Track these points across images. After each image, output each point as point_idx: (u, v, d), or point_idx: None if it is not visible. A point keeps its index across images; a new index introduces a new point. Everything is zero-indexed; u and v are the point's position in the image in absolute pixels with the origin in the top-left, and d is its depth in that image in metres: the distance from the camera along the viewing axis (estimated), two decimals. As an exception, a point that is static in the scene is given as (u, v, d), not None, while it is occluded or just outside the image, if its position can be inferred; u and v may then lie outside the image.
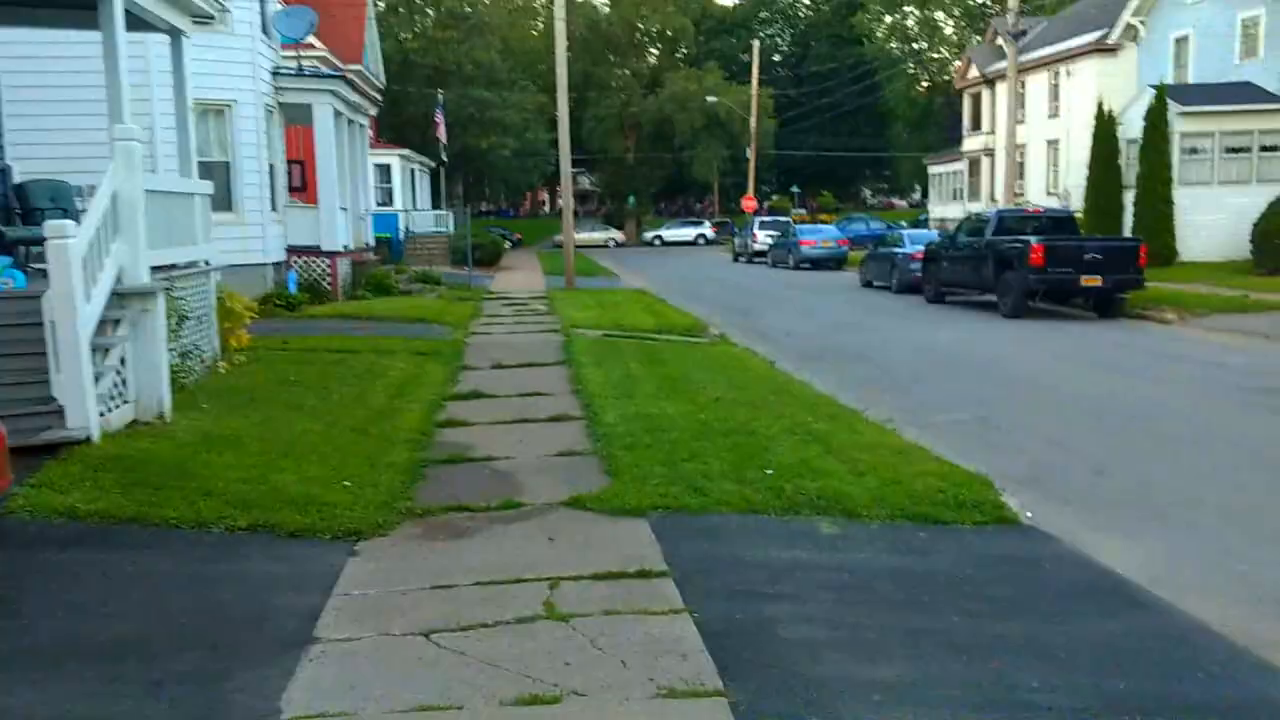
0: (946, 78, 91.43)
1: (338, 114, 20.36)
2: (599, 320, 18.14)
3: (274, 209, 18.74)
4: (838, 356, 14.67)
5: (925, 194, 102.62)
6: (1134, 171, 28.54)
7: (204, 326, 11.30)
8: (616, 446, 7.86)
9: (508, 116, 58.99)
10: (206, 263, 14.88)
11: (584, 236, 55.52)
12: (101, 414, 7.31)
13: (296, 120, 20.52)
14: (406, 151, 39.89)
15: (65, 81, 14.01)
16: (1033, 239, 18.95)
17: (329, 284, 19.45)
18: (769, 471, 7.07)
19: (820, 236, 37.53)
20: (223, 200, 17.24)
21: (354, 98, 21.13)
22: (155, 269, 9.59)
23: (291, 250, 19.41)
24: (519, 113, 60.86)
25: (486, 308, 20.87)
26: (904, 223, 58.06)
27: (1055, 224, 21.16)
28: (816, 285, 29.46)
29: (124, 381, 7.86)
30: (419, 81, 54.65)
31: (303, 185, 23.38)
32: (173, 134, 12.77)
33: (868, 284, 27.98)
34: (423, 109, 49.90)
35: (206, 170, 16.79)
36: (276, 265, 18.67)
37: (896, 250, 26.04)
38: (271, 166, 18.63)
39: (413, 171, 44.62)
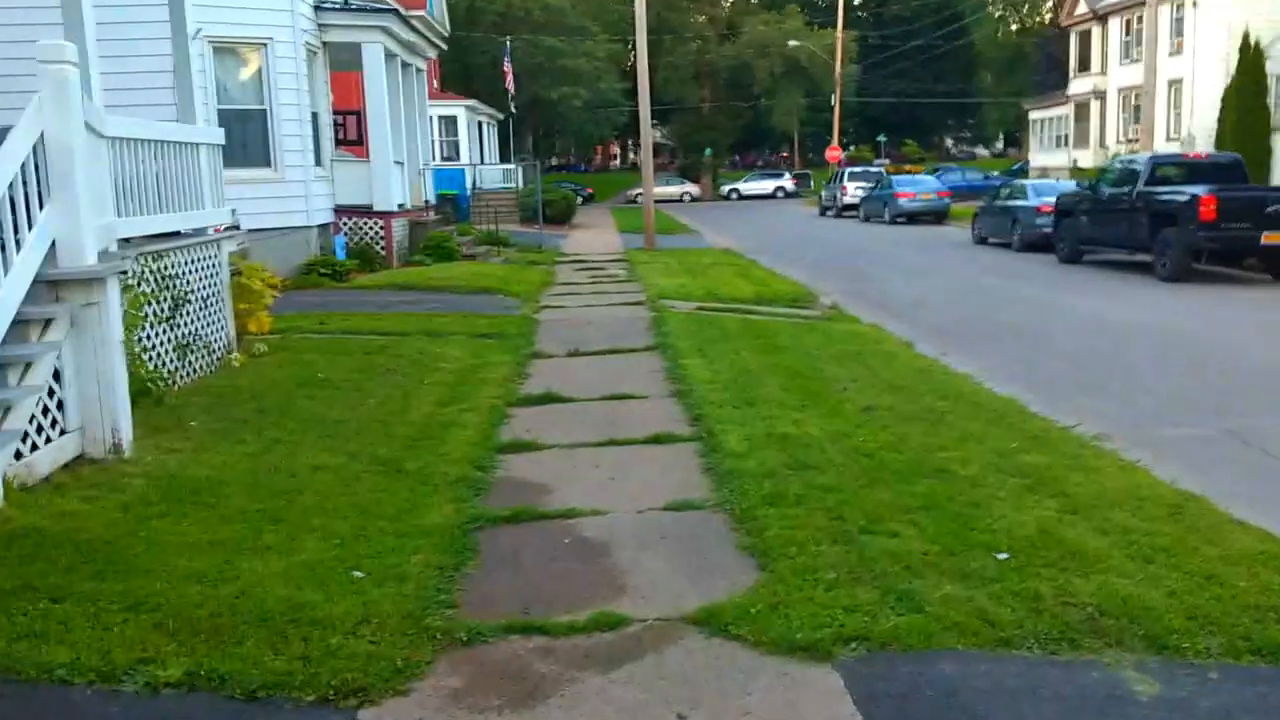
0: (1037, 18, 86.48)
1: (390, 55, 18.01)
2: (689, 289, 15.66)
3: (319, 164, 16.53)
4: (986, 334, 12.01)
5: (1010, 143, 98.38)
6: (1288, 111, 25.08)
7: (212, 310, 9.07)
8: (754, 499, 5.41)
9: (579, 65, 56.29)
10: (237, 228, 12.71)
11: (659, 190, 52.64)
12: (16, 457, 5.08)
13: (344, 64, 18.22)
14: (473, 102, 37.57)
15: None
16: (1201, 190, 15.97)
17: (382, 248, 17.23)
18: (1002, 556, 4.57)
19: (918, 188, 34.43)
20: (258, 154, 15.13)
21: (409, 36, 18.75)
22: (125, 242, 7.35)
23: (340, 210, 17.22)
24: (590, 61, 58.09)
25: (559, 273, 18.49)
26: (996, 172, 54.40)
27: (1221, 171, 18.01)
28: (921, 242, 26.56)
29: (59, 405, 5.62)
30: (486, 29, 52.09)
31: (358, 138, 21.17)
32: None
33: (982, 240, 25.04)
34: (490, 58, 47.42)
35: (239, 119, 14.67)
36: (322, 228, 16.49)
37: (1018, 203, 23.06)
38: (315, 115, 16.39)
39: (480, 124, 42.35)
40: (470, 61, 53.77)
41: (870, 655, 3.75)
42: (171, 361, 8.14)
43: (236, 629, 3.89)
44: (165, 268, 8.19)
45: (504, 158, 46.28)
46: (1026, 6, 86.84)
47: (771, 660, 3.74)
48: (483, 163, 40.80)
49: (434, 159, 34.96)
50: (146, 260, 7.89)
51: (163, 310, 8.06)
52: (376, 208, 17.18)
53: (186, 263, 8.65)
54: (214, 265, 9.24)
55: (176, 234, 8.95)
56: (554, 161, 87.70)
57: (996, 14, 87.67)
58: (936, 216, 33.39)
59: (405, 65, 19.76)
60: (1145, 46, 26.89)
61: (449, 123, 35.96)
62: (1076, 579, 4.31)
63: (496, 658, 3.83)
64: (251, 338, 9.79)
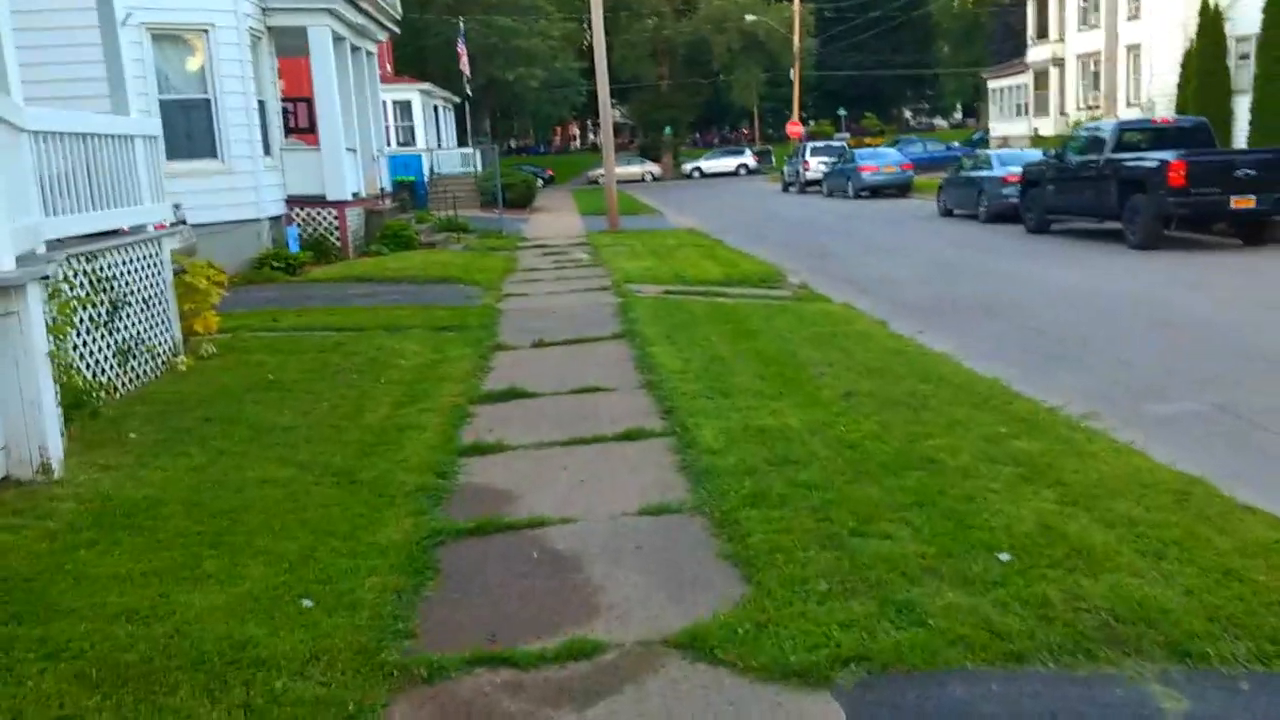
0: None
1: (338, 38, 17.44)
2: (655, 272, 15.30)
3: (268, 153, 15.97)
4: (960, 310, 11.73)
5: (968, 113, 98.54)
6: (1246, 74, 25.03)
7: (155, 312, 8.59)
8: (734, 500, 5.06)
9: (534, 45, 55.46)
10: (183, 223, 12.19)
11: (620, 171, 51.98)
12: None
13: (292, 49, 17.62)
14: (428, 86, 36.84)
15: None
16: (1170, 155, 15.78)
17: (337, 239, 16.71)
18: (1004, 557, 4.25)
19: (881, 161, 34.17)
20: (204, 146, 14.58)
21: (357, 19, 18.16)
22: (58, 242, 6.88)
23: (292, 201, 16.67)
24: (545, 41, 57.29)
25: (522, 259, 18.04)
26: (956, 143, 54.31)
27: (1187, 136, 17.82)
28: (887, 216, 26.32)
29: (-23, 425, 5.18)
30: (439, 10, 51.14)
31: (310, 125, 20.55)
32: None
33: (948, 213, 24.82)
34: (444, 40, 46.46)
35: (183, 110, 14.11)
36: (274, 220, 15.94)
37: (984, 174, 22.84)
38: (262, 104, 15.82)
39: (436, 108, 41.60)
40: (424, 44, 52.84)
41: (871, 678, 3.41)
42: (111, 369, 7.67)
43: (169, 675, 3.49)
44: (101, 269, 7.71)
45: (462, 142, 45.55)
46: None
47: (763, 688, 3.39)
48: (440, 147, 40.09)
49: (389, 145, 34.28)
50: (79, 261, 7.40)
51: (99, 314, 7.59)
52: (329, 197, 16.65)
53: (125, 262, 8.16)
54: (155, 264, 8.75)
55: (116, 232, 8.47)
56: (513, 144, 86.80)
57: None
58: (900, 190, 33.17)
59: (355, 49, 19.18)
60: (1104, 11, 26.69)
61: (403, 108, 35.24)
62: (1085, 580, 4.00)
63: (460, 696, 3.47)
64: (199, 339, 9.31)
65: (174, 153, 14.31)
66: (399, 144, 34.92)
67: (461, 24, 41.06)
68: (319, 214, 16.68)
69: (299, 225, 16.47)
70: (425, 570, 4.46)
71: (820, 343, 9.27)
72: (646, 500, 5.25)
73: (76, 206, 7.64)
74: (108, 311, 7.73)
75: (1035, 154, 22.41)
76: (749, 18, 57.21)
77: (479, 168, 37.18)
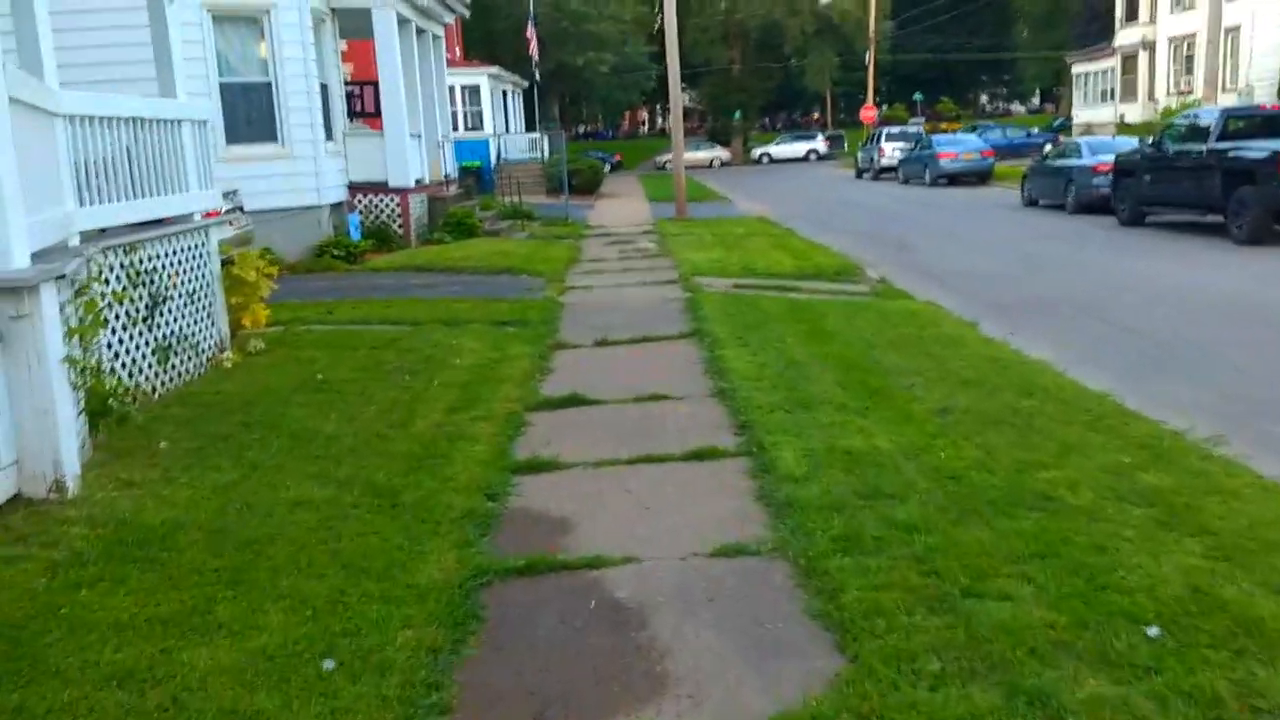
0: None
1: (403, 20, 16.99)
2: (724, 263, 14.62)
3: (330, 138, 15.58)
4: (1054, 310, 10.90)
5: (1045, 98, 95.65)
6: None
7: (200, 306, 8.16)
8: (821, 542, 4.41)
9: (604, 29, 54.81)
10: (240, 209, 11.83)
11: (688, 156, 51.37)
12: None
13: (357, 31, 17.22)
14: (496, 70, 36.39)
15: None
16: (1283, 144, 14.67)
17: (399, 227, 16.29)
18: (1152, 631, 3.55)
19: (961, 148, 32.97)
20: (265, 130, 14.21)
21: (423, 1, 17.67)
22: (102, 232, 6.45)
23: (354, 188, 16.29)
24: (616, 25, 56.60)
25: (586, 248, 17.47)
26: (1035, 129, 52.54)
27: (1299, 123, 16.63)
28: (967, 205, 25.29)
29: (-13, 438, 4.72)
30: (508, -6, 50.66)
31: (376, 110, 20.17)
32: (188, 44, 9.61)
33: (1032, 203, 23.71)
34: (514, 24, 45.99)
35: (243, 93, 13.75)
36: (335, 207, 15.56)
37: (1072, 162, 21.72)
38: (325, 87, 15.42)
39: (504, 93, 41.23)
40: (493, 28, 52.48)
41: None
42: (150, 367, 7.24)
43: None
44: (140, 261, 7.27)
45: (529, 127, 45.14)
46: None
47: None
48: (508, 132, 39.73)
49: (457, 130, 33.94)
50: (117, 254, 6.97)
51: (137, 310, 7.16)
52: (392, 184, 16.23)
53: (168, 254, 7.73)
54: (201, 255, 8.32)
55: (160, 221, 8.05)
56: (581, 129, 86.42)
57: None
58: (980, 177, 31.97)
59: (421, 32, 18.73)
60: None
61: (471, 92, 34.85)
62: (1260, 669, 3.29)
63: (499, 799, 2.88)
64: (247, 333, 8.88)
65: (234, 137, 14.00)
66: (467, 129, 34.58)
67: (532, 7, 40.58)
68: (382, 201, 16.28)
69: (361, 212, 16.08)
70: (468, 621, 3.89)
71: (906, 347, 8.54)
72: (721, 537, 4.62)
73: (116, 195, 7.22)
74: (147, 306, 7.30)
75: (1128, 142, 21.22)
76: (823, 0, 55.94)
77: (546, 153, 36.71)
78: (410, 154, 16.41)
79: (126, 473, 5.40)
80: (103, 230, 7.21)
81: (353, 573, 4.24)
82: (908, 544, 4.33)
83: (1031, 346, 8.69)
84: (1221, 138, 16.33)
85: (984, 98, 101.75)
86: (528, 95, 44.94)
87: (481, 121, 35.03)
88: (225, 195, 12.20)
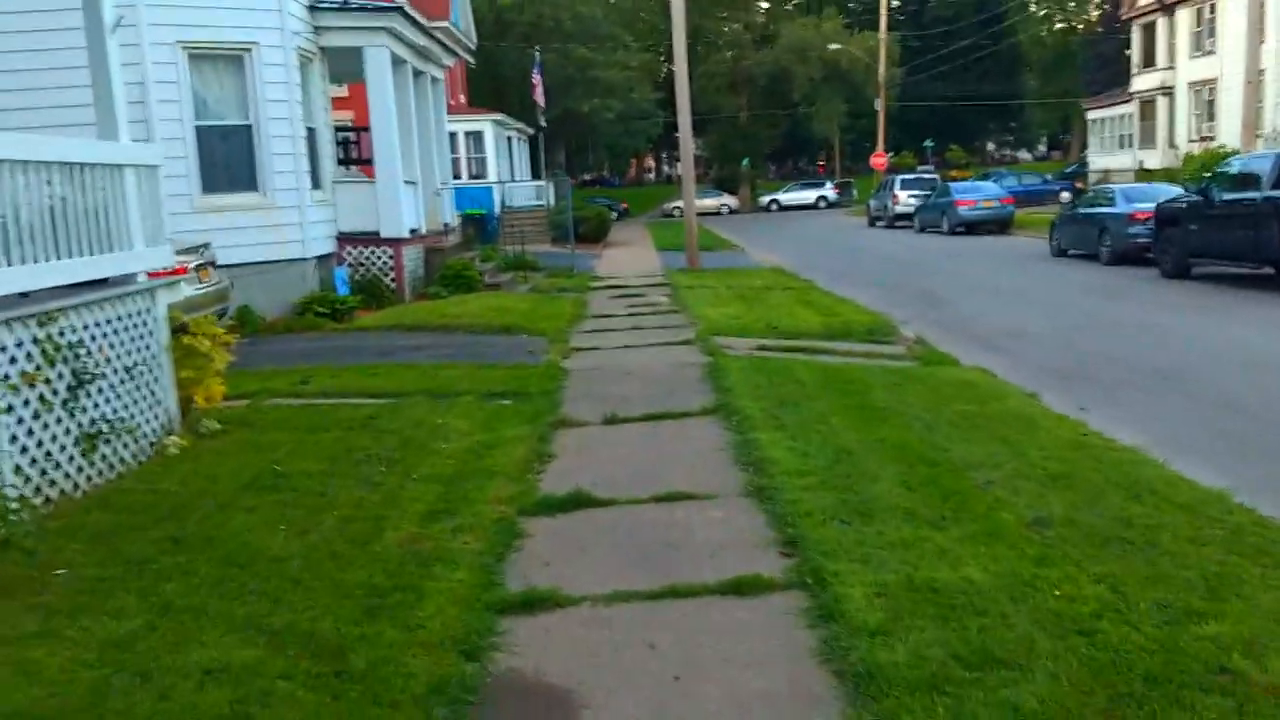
0: (1084, 16, 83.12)
1: (398, 61, 15.95)
2: (744, 320, 13.41)
3: (317, 186, 14.48)
4: (1122, 378, 9.66)
5: (1053, 145, 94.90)
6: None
7: (140, 383, 6.94)
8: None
9: (611, 76, 54.21)
10: (213, 264, 10.73)
11: (696, 203, 50.46)
12: None
13: (350, 73, 16.20)
14: (500, 116, 35.51)
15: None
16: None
17: (392, 280, 15.13)
18: None
19: (979, 195, 31.90)
20: (244, 177, 13.15)
21: (419, 40, 16.64)
22: (23, 296, 5.26)
23: (344, 239, 15.17)
24: (622, 71, 56.03)
25: (592, 303, 16.29)
26: (1049, 176, 51.53)
27: (1361, 168, 15.45)
28: (991, 255, 24.16)
29: None
30: (515, 40, 50.08)
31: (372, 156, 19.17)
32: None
33: (1061, 253, 22.54)
34: (520, 70, 45.30)
35: (222, 138, 12.67)
36: (322, 259, 14.42)
37: (1106, 210, 20.56)
38: (312, 132, 14.34)
39: (509, 139, 40.35)
40: (500, 74, 51.90)
41: None
42: (71, 461, 6.01)
43: None
44: (60, 333, 6.07)
45: (535, 174, 44.26)
46: (1074, 3, 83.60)
47: None
48: (513, 179, 38.78)
49: (460, 177, 32.98)
50: (27, 325, 5.77)
51: (55, 392, 5.94)
52: (384, 234, 15.09)
53: (99, 323, 6.53)
54: (145, 323, 7.11)
55: (101, 282, 6.88)
56: (587, 176, 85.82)
57: (1041, 13, 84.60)
58: (1000, 226, 30.89)
59: (419, 74, 17.71)
60: (1248, 30, 24.14)
61: (475, 138, 33.91)
62: None
63: None
64: (200, 411, 7.65)
65: (211, 185, 12.94)
66: (470, 176, 33.62)
67: (538, 54, 39.86)
68: (373, 253, 15.13)
69: (351, 265, 14.93)
70: None
71: (970, 428, 7.28)
72: (781, 734, 3.34)
73: (39, 254, 6.04)
74: (69, 387, 6.08)
75: (1166, 189, 20.10)
76: (832, 46, 55.37)
77: (552, 201, 35.74)
78: (404, 202, 15.29)
79: (-7, 618, 4.14)
80: (25, 294, 6.03)
81: (263, 803, 2.96)
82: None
83: (1113, 427, 7.43)
84: (1276, 185, 15.16)
85: (990, 145, 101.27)
86: (533, 142, 44.11)
87: (485, 168, 34.06)
88: (197, 249, 11.08)
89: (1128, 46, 61.42)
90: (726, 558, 4.95)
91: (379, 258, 15.10)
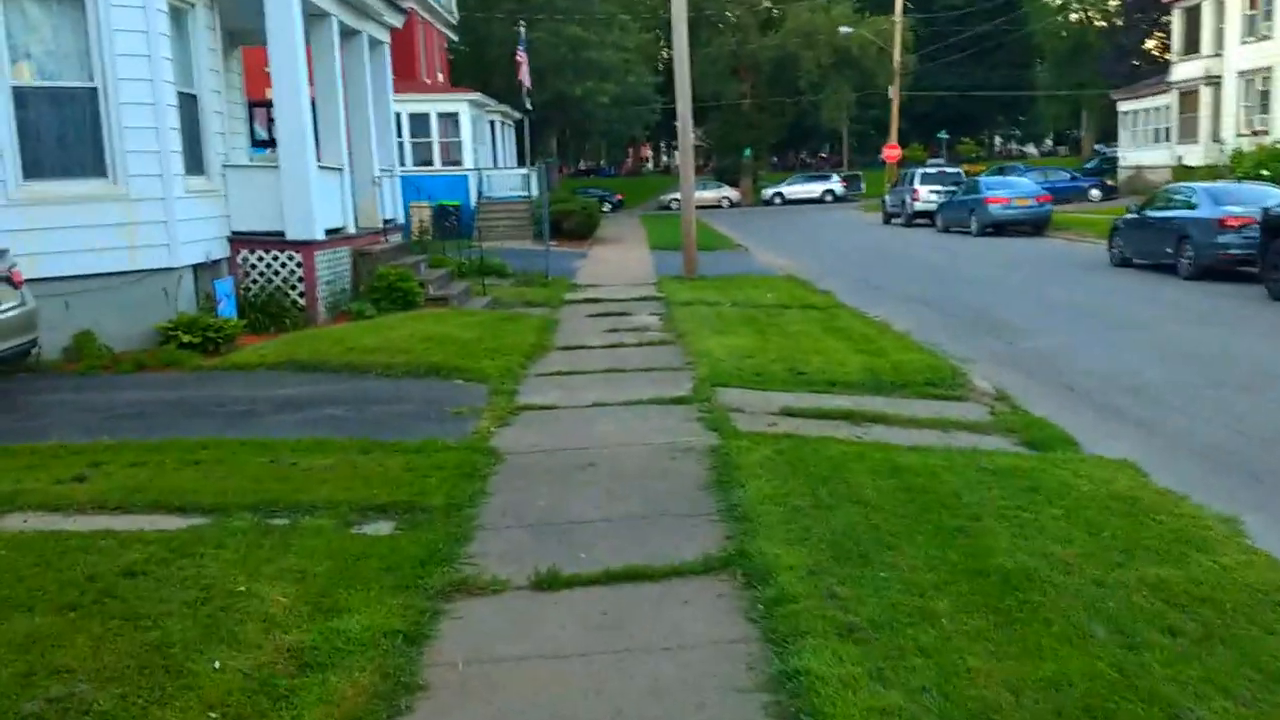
0: (1104, 8, 79.46)
1: (318, 14, 12.50)
2: (758, 359, 10.00)
3: (198, 172, 11.02)
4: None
5: (1059, 141, 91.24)
6: None
7: None
8: None
9: (606, 57, 50.60)
10: (9, 283, 7.51)
11: (695, 195, 47.00)
12: None
13: (252, 31, 12.69)
14: (477, 96, 31.94)
15: None
16: None
17: (300, 295, 11.66)
18: None
19: (1012, 192, 28.47)
20: (83, 158, 9.77)
21: (347, -12, 13.16)
22: None
23: (240, 241, 11.70)
24: (618, 53, 52.44)
25: (563, 325, 12.84)
26: (1069, 170, 48.08)
27: None
28: (1040, 262, 20.79)
29: None
30: (504, 19, 46.42)
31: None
32: None
33: (1124, 262, 19.13)
34: (508, 50, 41.67)
35: (53, 104, 9.27)
36: (202, 269, 10.95)
37: (1186, 215, 17.15)
38: (189, 99, 10.87)
39: (491, 124, 36.84)
40: (486, 54, 48.38)
41: None
42: None
43: None
44: None
45: (522, 162, 40.70)
46: (1092, -6, 79.96)
47: None
48: (495, 167, 35.29)
49: (432, 164, 29.51)
50: None
51: None
52: (290, 235, 11.62)
53: None
54: None
55: None
56: (581, 165, 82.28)
57: (1057, 2, 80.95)
58: (1035, 227, 27.50)
59: (352, 33, 14.24)
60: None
61: (450, 121, 30.37)
62: None
63: None
64: None
65: (35, 169, 9.53)
66: (444, 163, 30.14)
67: (522, 29, 36.35)
68: (275, 259, 11.66)
69: (243, 274, 11.49)
70: None
71: (1177, 622, 3.91)
72: None
73: None
74: None
75: (1265, 190, 16.69)
76: (843, 30, 51.81)
77: (537, 191, 32.26)
78: (317, 195, 11.77)
79: None
80: None
81: None
82: None
83: None
84: None
85: (998, 138, 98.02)
86: (521, 128, 40.56)
87: (461, 154, 30.55)
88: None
89: (1146, 38, 57.92)
90: None
91: (284, 266, 11.64)
